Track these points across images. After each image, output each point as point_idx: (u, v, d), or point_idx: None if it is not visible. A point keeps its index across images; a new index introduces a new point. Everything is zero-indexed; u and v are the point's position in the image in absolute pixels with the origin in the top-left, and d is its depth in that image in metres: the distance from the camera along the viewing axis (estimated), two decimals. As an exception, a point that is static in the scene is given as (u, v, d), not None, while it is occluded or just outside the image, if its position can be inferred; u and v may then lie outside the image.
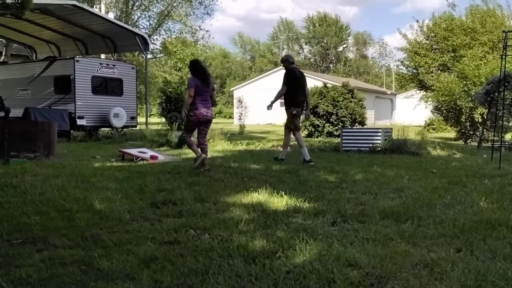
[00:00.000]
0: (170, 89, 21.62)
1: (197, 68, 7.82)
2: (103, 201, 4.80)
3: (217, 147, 12.45)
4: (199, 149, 7.84)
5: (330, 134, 19.97)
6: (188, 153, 10.69)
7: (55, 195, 5.04)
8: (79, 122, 16.56)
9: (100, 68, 17.40)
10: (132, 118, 18.54)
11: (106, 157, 9.53)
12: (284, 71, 9.32)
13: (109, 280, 2.70)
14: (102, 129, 18.26)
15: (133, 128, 18.72)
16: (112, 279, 2.71)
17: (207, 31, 38.64)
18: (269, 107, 9.47)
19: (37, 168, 7.36)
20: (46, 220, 3.99)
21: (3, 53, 24.84)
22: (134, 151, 9.80)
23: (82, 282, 2.66)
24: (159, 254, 3.14)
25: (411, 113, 33.66)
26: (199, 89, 7.67)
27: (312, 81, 28.41)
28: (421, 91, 24.27)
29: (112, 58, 21.41)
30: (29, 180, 6.08)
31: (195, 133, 8.14)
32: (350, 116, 20.44)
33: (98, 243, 3.43)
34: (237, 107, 27.97)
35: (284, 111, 9.47)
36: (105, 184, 5.90)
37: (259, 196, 5.11)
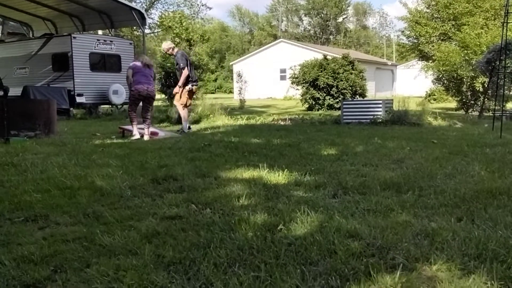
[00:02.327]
0: (168, 65, 21.42)
1: (141, 56, 9.37)
2: (104, 178, 4.80)
3: (217, 122, 12.43)
4: (135, 128, 8.91)
5: (330, 107, 19.88)
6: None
7: (56, 173, 5.04)
8: (79, 99, 16.50)
9: (97, 44, 17.24)
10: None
11: (107, 134, 9.52)
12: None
13: (111, 255, 2.71)
14: (102, 106, 18.19)
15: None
16: (114, 255, 2.72)
17: (203, 5, 38.13)
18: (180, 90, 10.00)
19: (37, 146, 7.35)
20: (47, 198, 3.99)
21: (0, 32, 24.59)
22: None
23: (85, 259, 2.67)
24: (161, 229, 3.15)
25: (412, 84, 33.53)
26: (138, 68, 8.88)
27: (312, 53, 28.21)
28: (422, 61, 24.09)
29: (110, 34, 21.19)
30: (30, 159, 6.08)
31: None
32: (350, 88, 20.30)
33: (99, 219, 3.44)
34: (237, 82, 27.77)
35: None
36: (106, 161, 5.90)
37: (260, 170, 5.11)
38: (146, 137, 8.72)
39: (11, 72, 17.99)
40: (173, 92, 10.15)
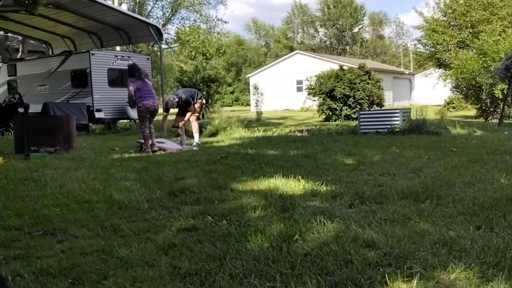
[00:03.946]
0: (185, 79, 21.64)
1: (134, 70, 9.20)
2: (122, 191, 4.85)
3: (234, 134, 12.47)
4: (149, 144, 9.05)
5: (348, 117, 19.80)
6: (205, 142, 10.75)
7: (75, 187, 5.11)
8: (97, 115, 16.72)
9: (115, 60, 17.49)
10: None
11: (125, 148, 9.62)
12: None
13: (128, 268, 2.73)
14: (120, 121, 18.40)
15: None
16: (131, 267, 2.74)
17: (219, 19, 38.43)
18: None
19: (57, 161, 7.47)
20: (66, 212, 4.05)
21: (20, 50, 25.14)
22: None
23: (102, 271, 2.69)
24: (177, 241, 3.17)
25: (430, 92, 33.21)
26: (138, 85, 9.00)
27: (328, 64, 28.20)
28: (440, 70, 23.89)
29: (127, 50, 21.50)
30: (49, 174, 6.17)
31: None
32: (367, 98, 20.22)
33: (117, 232, 3.47)
34: (254, 94, 27.85)
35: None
36: (124, 174, 5.96)
37: (276, 181, 5.11)
38: (155, 148, 9.11)
39: (32, 89, 18.35)
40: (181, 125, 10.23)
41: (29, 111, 15.52)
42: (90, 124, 16.55)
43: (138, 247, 3.05)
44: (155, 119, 9.62)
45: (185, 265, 2.71)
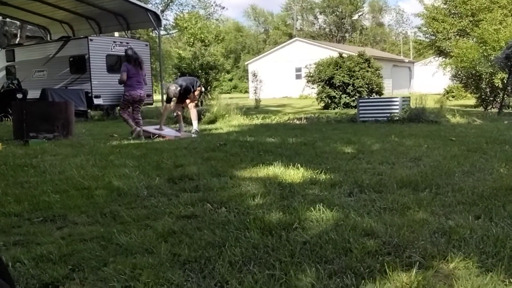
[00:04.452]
0: (184, 65, 21.57)
1: (130, 55, 9.27)
2: (121, 178, 4.85)
3: (233, 122, 12.46)
4: (134, 123, 9.26)
5: (347, 105, 19.77)
6: (204, 129, 10.74)
7: (74, 174, 5.11)
8: (96, 101, 16.66)
9: (114, 46, 17.38)
10: (148, 95, 18.53)
11: (124, 135, 9.59)
12: None
13: (128, 254, 2.74)
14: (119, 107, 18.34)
15: (149, 106, 18.79)
16: (131, 254, 2.74)
17: (217, 5, 38.18)
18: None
19: (56, 148, 7.45)
20: (65, 198, 4.05)
21: (18, 35, 24.98)
22: (151, 129, 9.86)
23: (102, 257, 2.70)
24: (176, 228, 3.18)
25: (430, 81, 33.15)
26: (131, 73, 9.10)
27: (328, 52, 28.08)
28: (440, 58, 23.83)
29: (126, 36, 21.37)
30: (49, 160, 6.16)
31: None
32: (367, 86, 20.18)
33: (117, 219, 3.48)
34: (252, 81, 27.78)
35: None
36: (123, 161, 5.95)
37: (275, 169, 5.11)
38: (139, 129, 9.26)
39: (30, 75, 18.26)
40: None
41: (27, 97, 15.45)
42: (89, 110, 16.50)
43: (137, 234, 3.05)
44: (153, 105, 9.64)
45: (185, 252, 2.71)
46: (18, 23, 24.25)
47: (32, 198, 4.07)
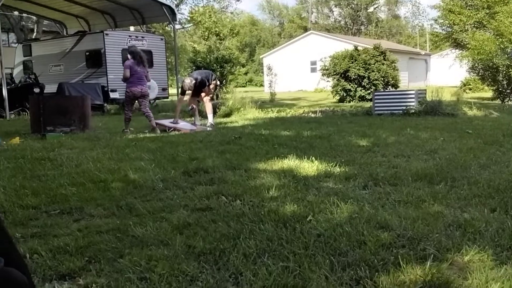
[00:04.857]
0: (199, 59, 21.60)
1: (133, 52, 9.37)
2: (137, 171, 4.90)
3: (248, 115, 12.46)
4: (129, 124, 9.38)
5: (362, 98, 19.64)
6: (219, 122, 10.77)
7: (91, 167, 5.17)
8: (112, 95, 16.79)
9: (129, 40, 17.47)
10: (164, 89, 18.67)
11: (139, 128, 9.67)
12: None
13: (143, 246, 2.77)
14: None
15: (165, 100, 18.88)
16: (146, 245, 2.78)
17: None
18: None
19: (72, 141, 7.54)
20: (82, 191, 4.10)
21: (35, 30, 25.25)
22: (166, 122, 9.93)
23: (118, 249, 2.74)
24: (191, 221, 3.20)
25: (446, 74, 32.76)
26: (134, 70, 9.18)
27: (343, 45, 27.87)
28: (456, 50, 23.53)
29: (141, 30, 21.47)
30: (65, 153, 6.25)
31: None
32: (382, 79, 20.01)
33: (132, 211, 3.52)
34: (267, 75, 27.71)
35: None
36: (139, 154, 6.00)
37: (289, 162, 5.12)
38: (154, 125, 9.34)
39: (47, 69, 18.46)
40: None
41: (44, 92, 15.63)
42: (105, 104, 16.63)
43: (153, 226, 3.09)
44: (169, 99, 9.69)
45: (200, 244, 2.74)
46: (34, 18, 24.51)
47: (49, 191, 4.13)
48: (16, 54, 20.16)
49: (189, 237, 2.90)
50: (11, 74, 18.90)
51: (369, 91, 18.84)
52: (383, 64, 20.23)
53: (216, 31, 24.24)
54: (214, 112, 11.08)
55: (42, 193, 4.05)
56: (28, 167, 5.30)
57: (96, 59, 17.07)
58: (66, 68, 18.12)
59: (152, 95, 17.75)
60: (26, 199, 3.88)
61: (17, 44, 21.79)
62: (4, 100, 13.67)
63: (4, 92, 13.71)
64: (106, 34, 16.99)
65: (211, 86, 10.13)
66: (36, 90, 15.17)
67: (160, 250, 2.69)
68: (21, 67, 19.71)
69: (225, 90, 18.47)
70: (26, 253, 2.67)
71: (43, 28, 25.97)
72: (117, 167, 5.12)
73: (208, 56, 21.38)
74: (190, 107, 10.44)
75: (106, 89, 16.55)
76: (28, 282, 1.27)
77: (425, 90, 13.43)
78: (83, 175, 4.73)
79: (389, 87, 20.30)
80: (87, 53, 17.43)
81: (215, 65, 20.51)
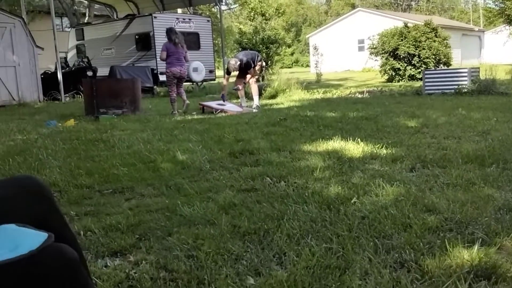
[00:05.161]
0: (245, 40, 21.59)
1: (172, 34, 9.51)
2: (185, 152, 5.01)
3: (293, 96, 12.42)
4: (176, 105, 9.56)
5: (412, 77, 19.13)
6: (265, 104, 10.79)
7: (141, 148, 5.34)
8: (162, 77, 17.08)
9: (177, 23, 17.66)
10: (211, 71, 18.83)
11: (189, 110, 9.85)
12: None
13: (191, 225, 2.86)
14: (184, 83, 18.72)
15: (212, 82, 19.05)
16: (194, 224, 2.86)
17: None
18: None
19: (124, 123, 7.79)
20: (133, 171, 4.25)
21: (86, 14, 25.94)
22: (213, 104, 10.06)
23: (167, 228, 2.84)
24: (237, 201, 3.27)
25: (501, 51, 31.32)
26: (171, 51, 9.39)
27: (392, 22, 27.09)
28: (510, 27, 22.42)
29: (188, 12, 21.66)
30: (117, 135, 6.47)
31: None
32: (433, 57, 19.38)
33: (180, 191, 3.62)
34: (313, 55, 27.37)
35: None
36: (187, 136, 6.14)
37: (334, 144, 5.10)
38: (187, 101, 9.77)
39: (99, 53, 18.99)
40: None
41: (97, 75, 16.12)
42: (155, 86, 16.97)
43: (200, 206, 3.17)
44: (216, 81, 9.78)
45: (244, 224, 2.80)
46: (86, 2, 25.15)
47: (102, 171, 4.30)
48: (70, 38, 20.83)
49: (234, 217, 2.96)
50: (65, 58, 19.56)
51: (419, 70, 18.31)
52: (434, 41, 19.57)
53: (261, 11, 24.07)
54: (260, 94, 11.11)
55: (96, 173, 4.23)
56: (82, 148, 5.53)
57: (145, 42, 17.40)
58: (117, 52, 18.58)
59: (199, 77, 17.99)
60: (80, 178, 4.06)
61: (70, 29, 22.48)
62: (59, 84, 14.21)
63: (59, 76, 14.23)
64: (155, 17, 17.26)
65: (257, 68, 10.14)
66: (89, 73, 15.68)
67: (206, 229, 2.76)
68: (74, 51, 20.36)
69: (270, 72, 18.46)
70: (80, 231, 2.81)
71: (95, 12, 26.63)
72: (166, 148, 5.26)
73: (254, 37, 21.32)
74: (235, 88, 10.51)
75: (155, 71, 16.87)
76: (79, 258, 1.33)
77: (479, 68, 12.93)
78: (134, 156, 4.89)
79: (441, 65, 19.65)
80: (136, 36, 17.79)
81: (261, 46, 20.44)
